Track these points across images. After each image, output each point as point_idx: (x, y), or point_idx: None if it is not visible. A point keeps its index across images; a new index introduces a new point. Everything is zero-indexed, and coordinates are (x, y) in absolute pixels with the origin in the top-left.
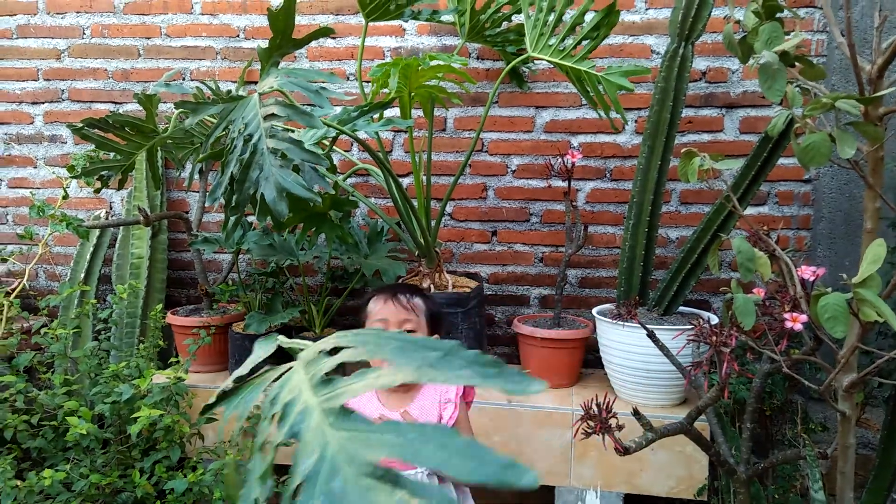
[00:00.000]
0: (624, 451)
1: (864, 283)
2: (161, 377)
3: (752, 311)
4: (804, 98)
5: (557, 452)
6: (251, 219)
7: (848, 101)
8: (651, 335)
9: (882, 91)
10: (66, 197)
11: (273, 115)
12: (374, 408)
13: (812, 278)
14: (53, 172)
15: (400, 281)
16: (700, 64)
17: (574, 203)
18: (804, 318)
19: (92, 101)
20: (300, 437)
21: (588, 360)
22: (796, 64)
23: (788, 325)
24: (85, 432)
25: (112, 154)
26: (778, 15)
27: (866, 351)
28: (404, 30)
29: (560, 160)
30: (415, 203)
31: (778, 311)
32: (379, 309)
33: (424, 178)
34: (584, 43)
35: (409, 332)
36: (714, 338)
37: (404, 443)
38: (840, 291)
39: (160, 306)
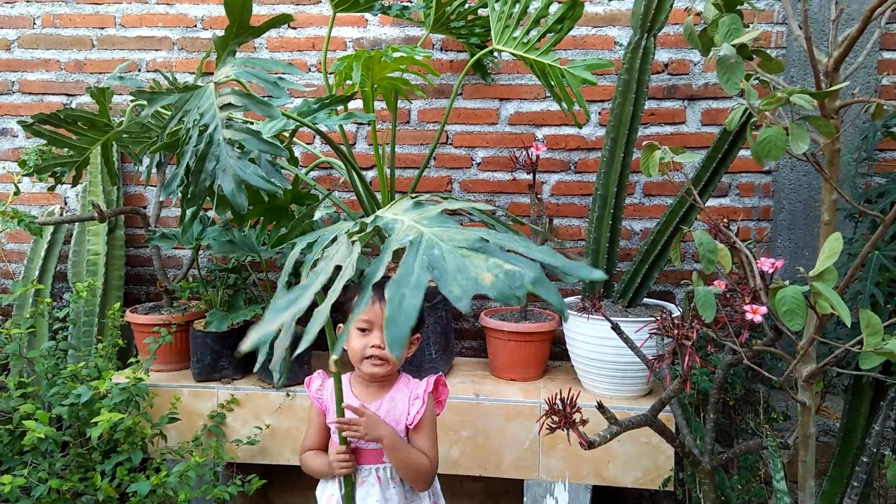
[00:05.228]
0: (588, 445)
1: (820, 276)
2: (121, 377)
3: (712, 304)
4: (763, 91)
5: (525, 446)
6: (211, 213)
7: (802, 95)
8: (615, 328)
9: (837, 85)
10: (17, 193)
11: (230, 105)
12: (348, 399)
13: (771, 270)
14: (3, 168)
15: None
16: (663, 56)
17: (539, 196)
18: (764, 309)
19: (44, 94)
20: (392, 231)
21: (555, 353)
22: (754, 57)
23: (749, 316)
24: (43, 436)
25: (65, 149)
26: (738, 7)
27: (824, 341)
28: (367, 20)
29: (525, 153)
30: (379, 197)
31: (738, 303)
32: (366, 309)
33: (388, 171)
34: (549, 35)
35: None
36: (676, 331)
37: (487, 235)
38: (799, 283)
39: (118, 304)
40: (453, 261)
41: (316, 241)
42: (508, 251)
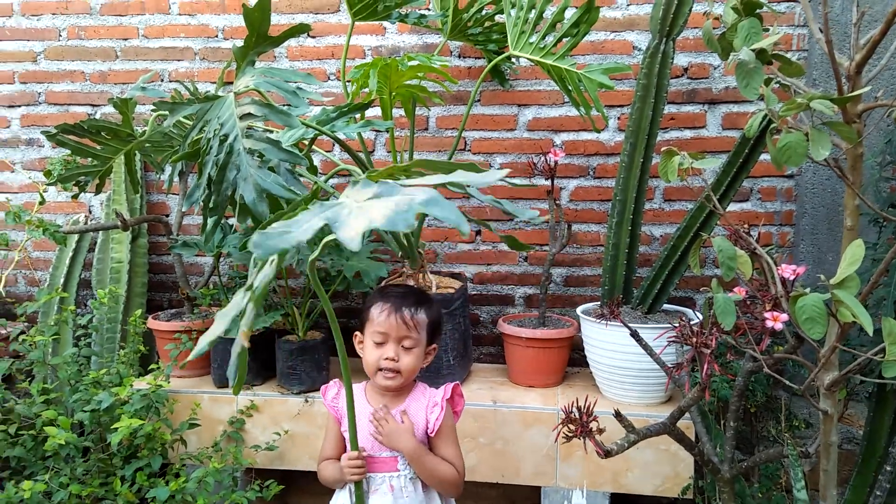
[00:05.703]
0: (605, 453)
1: (841, 283)
2: (142, 383)
3: (732, 311)
4: (784, 94)
5: (543, 453)
6: (232, 221)
7: (823, 101)
8: (634, 334)
9: (859, 90)
10: (42, 202)
11: (249, 115)
12: (362, 407)
13: (792, 277)
14: (30, 178)
15: (384, 283)
16: (682, 60)
17: (558, 201)
18: (785, 317)
19: (69, 104)
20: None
21: (574, 359)
22: (774, 61)
23: (769, 324)
24: (64, 442)
25: (89, 159)
26: (757, 11)
27: (847, 347)
28: (385, 28)
29: (543, 158)
30: None
31: (759, 311)
32: (381, 320)
33: None
34: (565, 40)
35: (406, 349)
36: (694, 339)
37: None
38: (820, 290)
39: (140, 311)
40: (351, 211)
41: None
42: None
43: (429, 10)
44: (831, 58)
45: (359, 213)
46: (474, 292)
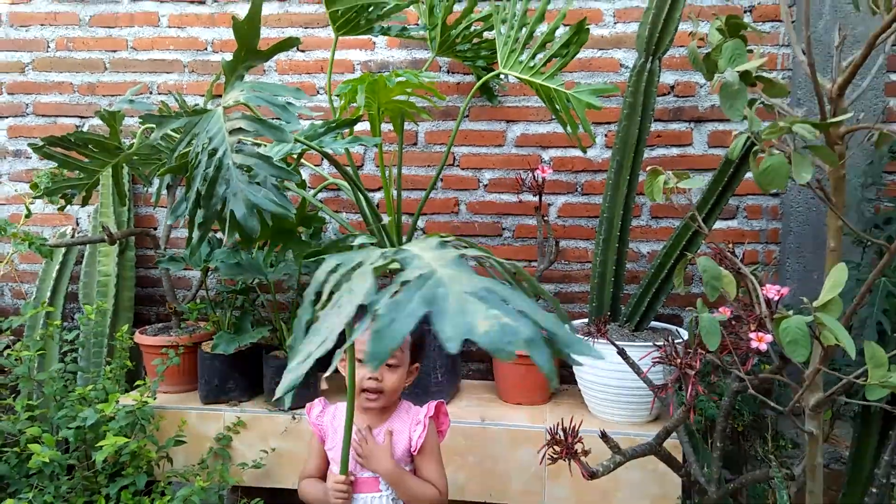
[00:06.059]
0: (591, 475)
1: (824, 307)
2: (129, 399)
3: (717, 332)
4: (768, 114)
5: (532, 472)
6: (219, 235)
7: (804, 125)
8: (622, 353)
9: (841, 115)
10: (28, 215)
11: (240, 130)
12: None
13: (777, 297)
14: (16, 190)
15: None
16: (668, 78)
17: (546, 217)
18: (769, 337)
19: (57, 116)
20: (408, 265)
21: (563, 376)
22: (757, 83)
23: (754, 344)
24: (48, 460)
25: (76, 172)
26: (741, 32)
27: (834, 367)
28: (374, 43)
29: (531, 175)
30: (385, 218)
31: (744, 331)
32: (364, 339)
33: (395, 192)
34: (555, 60)
35: (389, 368)
36: (679, 360)
37: (497, 287)
38: (805, 311)
39: (127, 326)
40: (455, 303)
41: (342, 263)
42: (511, 307)
43: (417, 24)
44: (814, 80)
45: (460, 311)
46: None
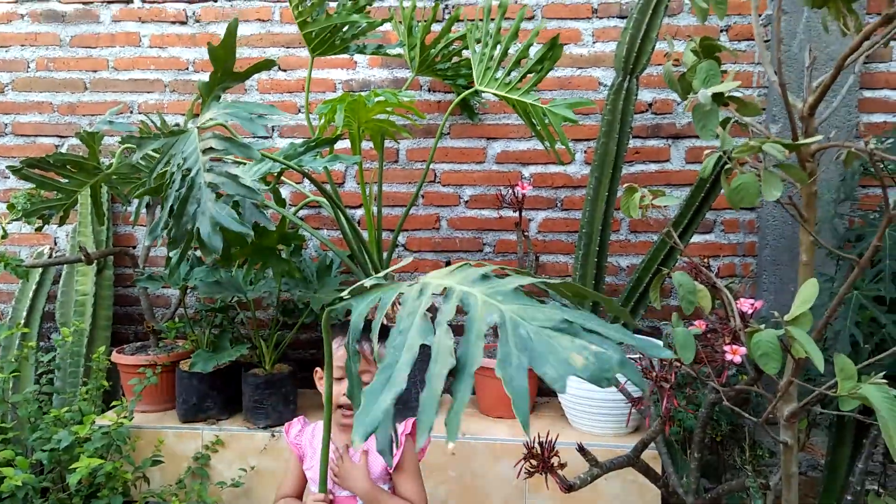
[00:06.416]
0: (568, 488)
1: (795, 321)
2: (105, 420)
3: (692, 346)
4: (743, 132)
5: (513, 485)
6: (200, 253)
7: (774, 145)
8: None
9: (812, 135)
10: (4, 236)
11: (211, 149)
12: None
13: (750, 311)
14: None
15: None
16: (646, 96)
17: (526, 233)
18: (743, 350)
19: (36, 136)
20: (469, 309)
21: (543, 389)
22: (730, 103)
23: (729, 357)
24: (20, 483)
25: (54, 192)
26: (716, 53)
27: (809, 378)
28: (355, 62)
29: (511, 191)
30: (365, 235)
31: (719, 344)
32: (340, 355)
33: (376, 209)
34: (530, 76)
35: (366, 384)
36: (654, 373)
37: (567, 315)
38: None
39: (103, 347)
40: (541, 342)
41: (378, 303)
42: (589, 331)
43: (397, 44)
44: (785, 100)
45: (549, 349)
46: None
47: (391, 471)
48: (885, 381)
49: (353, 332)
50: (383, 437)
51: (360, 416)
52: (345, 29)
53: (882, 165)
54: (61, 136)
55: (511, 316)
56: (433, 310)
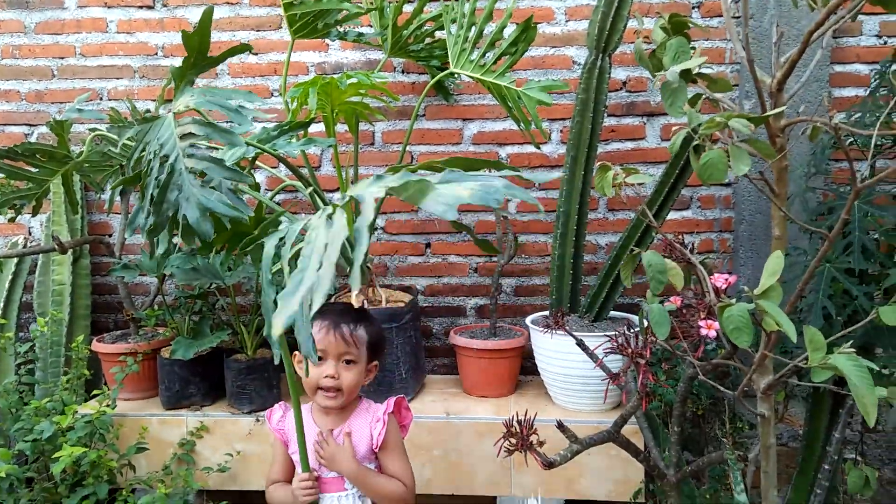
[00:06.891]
0: (548, 465)
1: (765, 294)
2: (88, 409)
3: (666, 322)
4: (715, 109)
5: (497, 462)
6: (176, 240)
7: (740, 120)
8: (580, 343)
9: (780, 106)
10: None
11: (191, 135)
12: (309, 427)
13: (724, 286)
14: None
15: (332, 299)
16: (620, 74)
17: (504, 213)
18: (718, 325)
19: (5, 124)
20: (364, 199)
21: (527, 367)
22: (698, 80)
23: (703, 332)
24: (3, 474)
25: (25, 182)
26: (685, 30)
27: (786, 350)
28: (328, 45)
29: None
30: None
31: (694, 319)
32: (320, 338)
33: None
34: (505, 58)
35: (346, 364)
36: (630, 350)
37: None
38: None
39: (83, 336)
40: (433, 189)
41: (285, 235)
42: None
43: (370, 27)
44: (753, 76)
45: (442, 192)
46: (426, 304)
47: (376, 450)
48: (853, 349)
49: (265, 266)
50: (304, 333)
51: (277, 314)
52: (329, 14)
53: (853, 139)
54: (31, 125)
55: (395, 184)
56: None
